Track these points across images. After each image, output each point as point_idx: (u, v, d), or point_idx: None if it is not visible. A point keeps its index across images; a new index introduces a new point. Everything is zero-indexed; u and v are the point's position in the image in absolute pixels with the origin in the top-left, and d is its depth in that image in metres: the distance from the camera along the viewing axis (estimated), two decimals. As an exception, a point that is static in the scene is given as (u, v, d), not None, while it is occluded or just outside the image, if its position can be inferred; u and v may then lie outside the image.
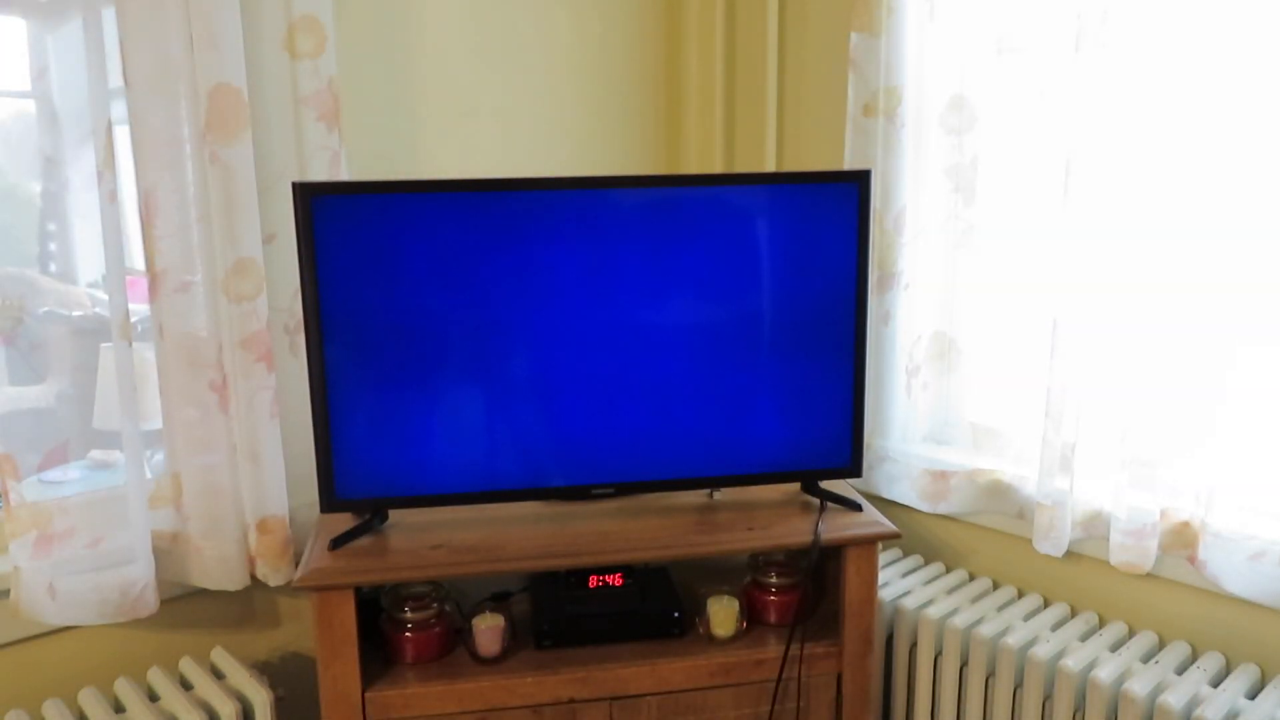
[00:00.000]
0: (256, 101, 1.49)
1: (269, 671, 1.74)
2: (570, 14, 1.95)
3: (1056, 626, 1.59)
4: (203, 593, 1.63)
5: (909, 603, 1.65)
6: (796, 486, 1.69)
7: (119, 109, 1.41)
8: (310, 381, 1.41)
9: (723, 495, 1.66)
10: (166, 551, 1.54)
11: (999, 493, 1.69)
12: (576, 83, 1.98)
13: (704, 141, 2.13)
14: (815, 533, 1.49)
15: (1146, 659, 1.48)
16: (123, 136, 1.43)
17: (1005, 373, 1.77)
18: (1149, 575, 1.55)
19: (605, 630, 1.54)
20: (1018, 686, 1.52)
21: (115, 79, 1.39)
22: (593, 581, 1.57)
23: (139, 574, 1.45)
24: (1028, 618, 1.62)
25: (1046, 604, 1.69)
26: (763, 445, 1.55)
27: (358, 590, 1.39)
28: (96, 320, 1.52)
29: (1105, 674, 1.39)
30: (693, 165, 2.15)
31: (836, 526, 1.52)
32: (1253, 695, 1.40)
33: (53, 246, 1.49)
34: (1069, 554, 1.65)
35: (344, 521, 1.53)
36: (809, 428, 1.55)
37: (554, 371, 1.47)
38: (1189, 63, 1.36)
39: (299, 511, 1.63)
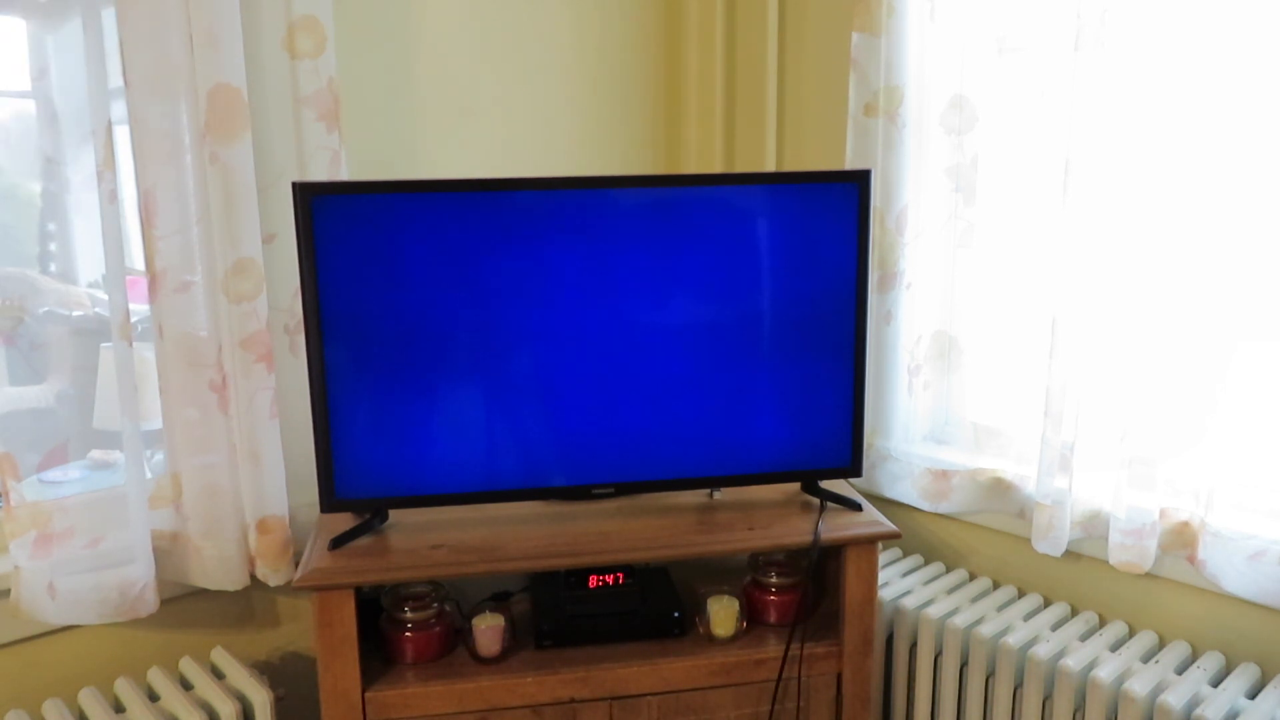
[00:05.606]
0: (256, 101, 1.49)
1: (269, 671, 1.74)
2: (570, 14, 1.95)
3: (1056, 626, 1.59)
4: (203, 593, 1.63)
5: (909, 602, 1.65)
6: (797, 486, 1.69)
7: (119, 109, 1.41)
8: (310, 381, 1.41)
9: (723, 495, 1.66)
10: (166, 551, 1.54)
11: (1000, 492, 1.69)
12: (576, 82, 1.98)
13: (704, 141, 2.13)
14: (815, 532, 1.49)
15: (1146, 659, 1.48)
16: (123, 136, 1.43)
17: (1006, 372, 1.77)
18: (1149, 575, 1.55)
19: (605, 630, 1.54)
20: (1018, 686, 1.52)
21: (115, 79, 1.39)
22: (593, 581, 1.57)
23: (139, 574, 1.45)
24: (1028, 617, 1.62)
25: (1046, 604, 1.69)
26: (763, 445, 1.55)
27: (358, 590, 1.39)
28: (96, 320, 1.52)
29: (1105, 673, 1.39)
30: (693, 165, 2.15)
31: (836, 526, 1.52)
32: (1253, 695, 1.40)
33: (53, 246, 1.49)
34: (1069, 554, 1.65)
35: (344, 521, 1.53)
36: (809, 427, 1.55)
37: (554, 371, 1.47)
38: (1188, 62, 1.36)
39: (299, 511, 1.63)
